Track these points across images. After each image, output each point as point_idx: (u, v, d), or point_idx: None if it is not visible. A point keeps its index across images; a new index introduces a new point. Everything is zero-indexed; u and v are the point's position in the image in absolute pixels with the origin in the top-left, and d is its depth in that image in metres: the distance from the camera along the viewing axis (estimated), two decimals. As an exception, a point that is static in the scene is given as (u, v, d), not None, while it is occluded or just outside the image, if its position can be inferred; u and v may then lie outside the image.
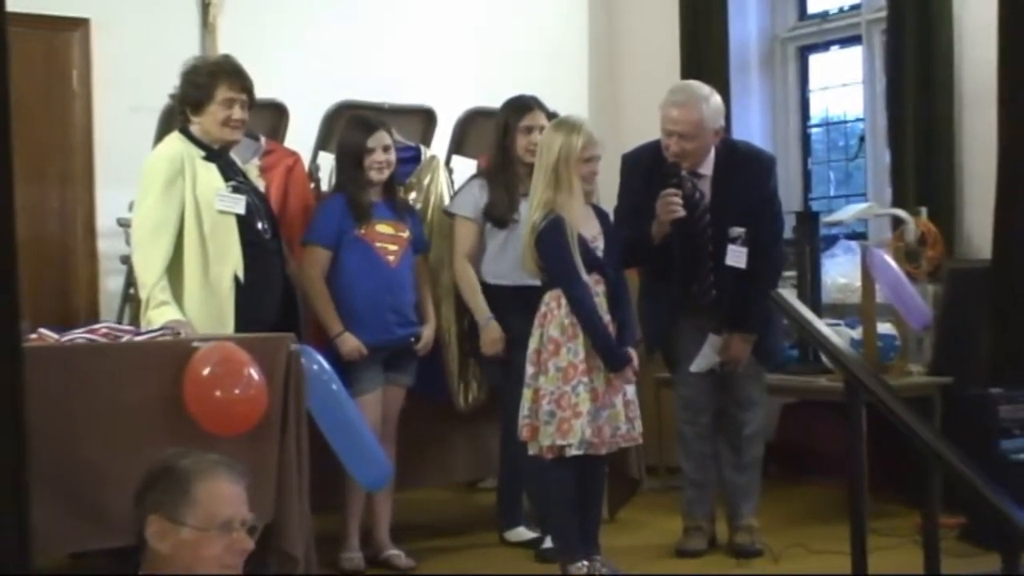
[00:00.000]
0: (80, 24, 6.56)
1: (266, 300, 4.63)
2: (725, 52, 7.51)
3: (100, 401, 3.79)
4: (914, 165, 6.49)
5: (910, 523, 5.13)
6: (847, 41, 7.48)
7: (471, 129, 6.27)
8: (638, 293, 5.30)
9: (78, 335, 4.04)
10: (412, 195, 5.52)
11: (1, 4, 1.48)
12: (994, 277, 5.77)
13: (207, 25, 6.80)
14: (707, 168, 5.16)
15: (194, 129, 4.64)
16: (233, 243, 4.54)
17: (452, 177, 5.91)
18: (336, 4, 7.32)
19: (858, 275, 6.06)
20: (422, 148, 5.81)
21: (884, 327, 5.91)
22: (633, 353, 4.77)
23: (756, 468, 5.32)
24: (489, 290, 5.22)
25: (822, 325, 3.86)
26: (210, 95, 4.59)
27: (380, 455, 4.52)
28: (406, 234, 5.11)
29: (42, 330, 4.02)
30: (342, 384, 4.45)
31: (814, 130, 7.84)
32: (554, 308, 4.68)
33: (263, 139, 5.42)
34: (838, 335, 4.00)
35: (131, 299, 5.78)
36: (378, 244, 5.02)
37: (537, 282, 4.79)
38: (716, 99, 5.13)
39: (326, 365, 4.38)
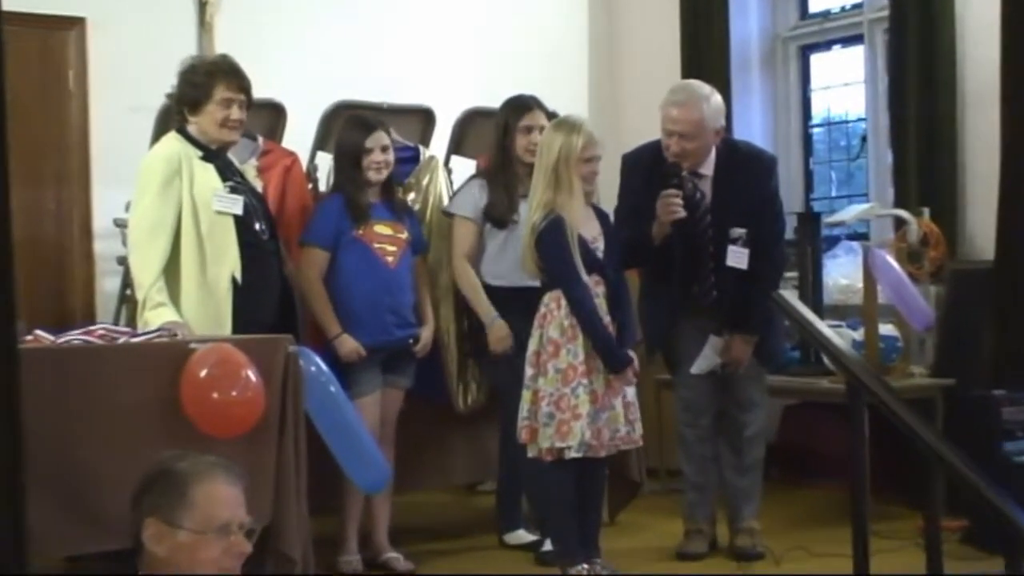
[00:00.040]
0: (76, 23, 6.54)
1: (264, 301, 4.61)
2: (726, 51, 7.49)
3: (96, 403, 3.78)
4: (916, 165, 6.47)
5: (912, 526, 5.10)
6: (849, 40, 7.46)
7: (470, 129, 6.26)
8: (638, 294, 5.28)
9: (74, 336, 4.01)
10: (411, 195, 5.50)
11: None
12: (997, 278, 5.76)
13: (204, 24, 6.78)
14: (708, 168, 5.14)
15: (191, 129, 4.63)
16: (231, 244, 4.52)
17: (451, 177, 5.89)
18: (334, 3, 7.30)
19: (860, 276, 6.04)
20: (421, 148, 5.81)
21: (886, 328, 5.89)
22: (633, 355, 4.75)
23: (757, 470, 5.30)
24: (488, 291, 5.20)
25: (823, 326, 3.84)
26: (208, 95, 4.58)
27: (378, 457, 4.51)
28: (405, 235, 5.09)
29: (38, 331, 4.01)
30: (340, 386, 4.44)
31: (816, 130, 7.82)
32: (554, 309, 4.67)
33: (260, 139, 5.42)
34: (840, 336, 3.99)
35: (128, 300, 5.77)
36: (376, 245, 5.00)
37: (536, 283, 4.78)
38: (717, 99, 5.11)
39: (324, 367, 4.36)
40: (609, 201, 5.26)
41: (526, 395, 4.69)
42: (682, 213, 4.94)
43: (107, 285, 6.47)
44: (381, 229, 5.03)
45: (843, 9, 7.51)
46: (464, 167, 6.11)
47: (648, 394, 5.70)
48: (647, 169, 5.12)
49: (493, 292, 5.18)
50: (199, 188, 4.51)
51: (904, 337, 5.98)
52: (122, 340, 4.07)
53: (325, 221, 5.02)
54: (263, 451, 4.02)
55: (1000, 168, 5.81)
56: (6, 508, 1.53)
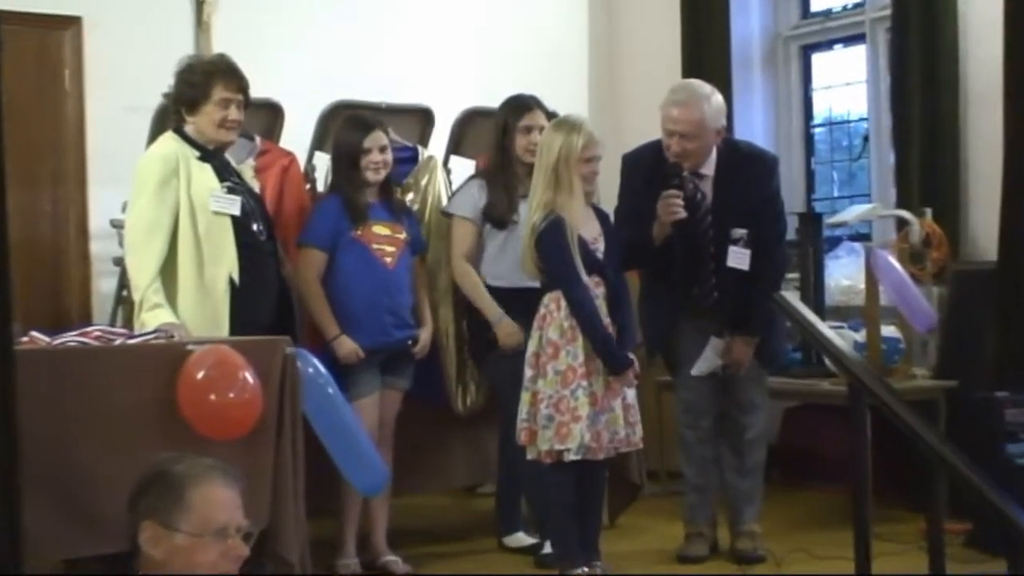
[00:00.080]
0: (72, 22, 6.52)
1: (261, 302, 4.60)
2: (727, 50, 7.47)
3: (93, 405, 3.77)
4: (919, 165, 6.44)
5: (915, 528, 5.07)
6: (851, 39, 7.44)
7: (469, 129, 6.24)
8: (639, 295, 5.27)
9: (70, 338, 4.00)
10: (409, 196, 5.49)
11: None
12: (1000, 279, 5.76)
13: (201, 23, 6.77)
14: (709, 168, 5.12)
15: (188, 129, 4.62)
16: (228, 245, 4.51)
17: (450, 178, 5.88)
18: (332, 2, 7.29)
19: (862, 277, 6.03)
20: (419, 148, 5.81)
21: (888, 330, 5.87)
22: (633, 356, 4.73)
23: (758, 472, 5.29)
24: (488, 292, 5.17)
25: (825, 328, 3.83)
26: (206, 95, 4.57)
27: (377, 460, 4.50)
28: (403, 235, 5.07)
29: (34, 333, 4.00)
30: (338, 388, 4.42)
31: (817, 130, 7.80)
32: (553, 310, 4.65)
33: (258, 139, 5.41)
34: (841, 338, 3.98)
35: (124, 301, 5.76)
36: (375, 245, 4.98)
37: (536, 284, 4.76)
38: (718, 98, 5.09)
39: (322, 368, 4.35)
40: (609, 201, 5.25)
41: (525, 397, 4.67)
42: (683, 214, 4.93)
43: (103, 286, 6.45)
44: (379, 230, 5.01)
45: (845, 8, 7.49)
46: (463, 167, 6.10)
47: (648, 396, 5.69)
48: (647, 169, 5.11)
49: (493, 293, 5.16)
50: (196, 188, 4.49)
51: (906, 339, 5.97)
52: (118, 342, 4.06)
53: (323, 222, 5.00)
54: (260, 453, 4.01)
55: (1003, 167, 5.80)
56: (2, 510, 1.55)
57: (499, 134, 5.26)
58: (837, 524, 4.96)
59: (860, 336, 5.81)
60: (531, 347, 4.69)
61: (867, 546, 3.39)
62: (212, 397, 3.83)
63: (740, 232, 5.04)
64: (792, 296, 4.46)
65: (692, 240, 5.05)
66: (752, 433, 5.22)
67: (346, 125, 5.15)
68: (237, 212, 4.54)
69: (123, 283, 5.70)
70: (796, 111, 7.74)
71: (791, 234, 5.78)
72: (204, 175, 4.53)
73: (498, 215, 5.17)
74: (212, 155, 4.60)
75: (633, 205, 5.12)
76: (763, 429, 5.31)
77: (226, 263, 4.49)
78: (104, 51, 6.52)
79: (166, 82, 4.77)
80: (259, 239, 4.62)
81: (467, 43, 7.69)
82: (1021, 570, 3.33)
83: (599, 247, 4.73)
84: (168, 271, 4.44)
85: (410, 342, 5.08)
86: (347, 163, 5.02)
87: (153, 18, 6.65)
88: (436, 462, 5.62)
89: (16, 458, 1.55)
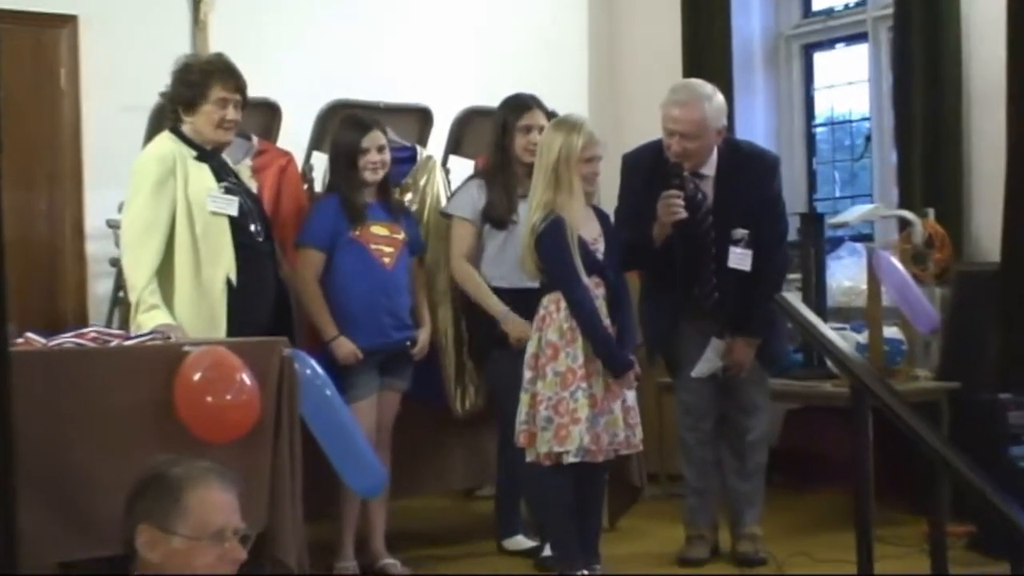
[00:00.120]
0: (68, 21, 6.50)
1: (259, 303, 4.58)
2: (728, 50, 7.46)
3: (89, 407, 3.77)
4: (921, 165, 6.43)
5: (917, 531, 5.05)
6: (853, 38, 7.43)
7: (468, 129, 6.23)
8: (639, 296, 5.25)
9: (66, 339, 3.99)
10: (408, 196, 5.48)
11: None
12: (1003, 280, 5.75)
13: (198, 22, 6.76)
14: (709, 168, 5.11)
15: (185, 129, 4.60)
16: (225, 245, 4.49)
17: (449, 178, 5.86)
18: (330, 1, 7.28)
19: (864, 278, 6.02)
20: (418, 148, 5.79)
21: (890, 331, 5.86)
22: (633, 358, 4.71)
23: (759, 475, 5.27)
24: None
25: (827, 329, 3.83)
26: (203, 95, 4.55)
27: (375, 462, 4.49)
28: (401, 236, 5.05)
29: (29, 334, 3.98)
30: (336, 389, 4.40)
31: (819, 129, 7.79)
32: (553, 311, 4.63)
33: (255, 139, 5.40)
34: (843, 339, 3.97)
35: (120, 302, 5.76)
36: (373, 246, 4.96)
37: (536, 284, 4.73)
38: (718, 98, 5.08)
39: (320, 370, 4.34)
40: (609, 201, 5.23)
41: (524, 399, 4.65)
42: (683, 214, 4.91)
43: (99, 287, 6.44)
44: (378, 230, 4.99)
45: (847, 7, 7.47)
46: (462, 167, 6.09)
47: (649, 398, 5.69)
48: (648, 169, 5.09)
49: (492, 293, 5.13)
50: (193, 188, 4.48)
51: (909, 340, 5.95)
52: (115, 343, 4.05)
53: (321, 222, 4.99)
54: (258, 456, 4.00)
55: (1006, 168, 5.79)
56: (-3, 511, 1.55)
57: (498, 134, 5.24)
58: (839, 527, 4.95)
59: (862, 337, 5.79)
60: (530, 349, 4.67)
61: (869, 549, 3.39)
62: (209, 399, 3.82)
63: (741, 233, 5.02)
64: (793, 297, 4.44)
65: (693, 241, 5.03)
66: (753, 435, 5.20)
67: (344, 125, 5.14)
68: (234, 212, 4.52)
69: (119, 284, 5.70)
70: (798, 111, 7.73)
71: (792, 234, 5.78)
72: (201, 175, 4.51)
73: (497, 215, 5.14)
74: (209, 155, 4.58)
75: (633, 205, 5.10)
76: (764, 431, 5.29)
77: (223, 264, 4.47)
78: (100, 50, 6.50)
79: (163, 81, 4.74)
80: (256, 239, 4.60)
81: (466, 43, 7.68)
82: (1024, 573, 3.33)
83: (599, 247, 4.71)
84: (165, 272, 4.42)
85: (408, 343, 5.06)
86: (345, 163, 5.00)
87: (150, 17, 6.64)
88: (435, 464, 5.60)
89: (11, 460, 1.56)
